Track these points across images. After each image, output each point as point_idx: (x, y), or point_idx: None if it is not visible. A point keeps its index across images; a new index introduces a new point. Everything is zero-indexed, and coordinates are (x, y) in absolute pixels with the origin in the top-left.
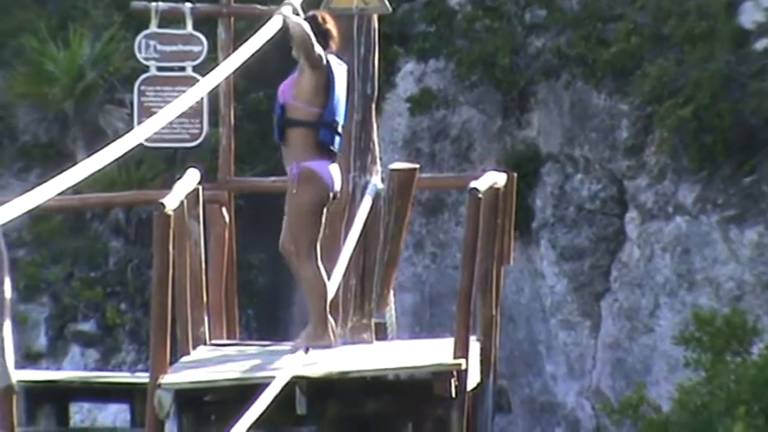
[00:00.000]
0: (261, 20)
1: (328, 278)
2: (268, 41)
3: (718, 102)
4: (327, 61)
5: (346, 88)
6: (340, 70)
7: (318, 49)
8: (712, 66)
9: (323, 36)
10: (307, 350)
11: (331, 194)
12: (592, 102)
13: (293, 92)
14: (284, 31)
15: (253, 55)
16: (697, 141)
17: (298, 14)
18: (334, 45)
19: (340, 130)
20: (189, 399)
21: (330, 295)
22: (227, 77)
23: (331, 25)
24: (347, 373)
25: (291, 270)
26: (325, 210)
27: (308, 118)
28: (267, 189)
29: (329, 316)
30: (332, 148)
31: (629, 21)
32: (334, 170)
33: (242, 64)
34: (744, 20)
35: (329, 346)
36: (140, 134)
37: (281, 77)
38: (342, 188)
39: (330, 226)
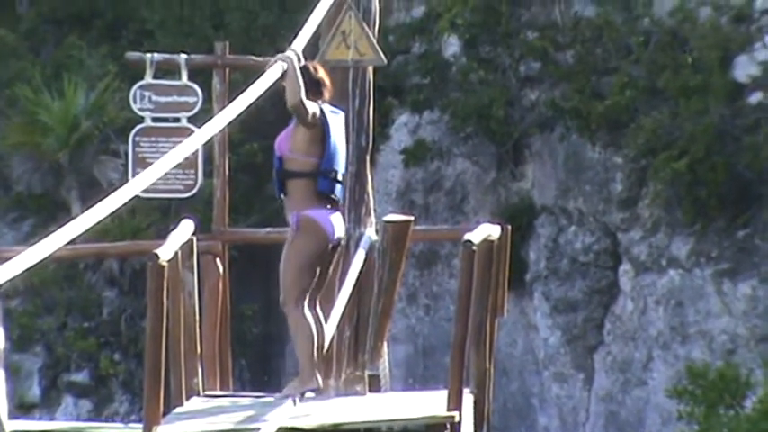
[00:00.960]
0: (256, 71)
1: (322, 327)
2: (267, 90)
3: (712, 155)
4: (322, 111)
5: (345, 135)
6: (335, 119)
7: (310, 107)
8: (706, 119)
9: (316, 85)
10: (295, 399)
11: (330, 244)
12: (586, 154)
13: (289, 144)
14: (281, 80)
15: (253, 103)
16: (691, 194)
17: (300, 60)
18: (327, 94)
19: (340, 178)
20: None
21: (324, 344)
22: (223, 129)
23: (323, 74)
24: (340, 424)
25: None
26: (321, 259)
27: (306, 168)
28: (261, 240)
29: (315, 361)
30: (332, 196)
31: (624, 74)
32: (336, 219)
33: (242, 111)
34: (738, 74)
35: (316, 389)
36: (136, 186)
37: (277, 129)
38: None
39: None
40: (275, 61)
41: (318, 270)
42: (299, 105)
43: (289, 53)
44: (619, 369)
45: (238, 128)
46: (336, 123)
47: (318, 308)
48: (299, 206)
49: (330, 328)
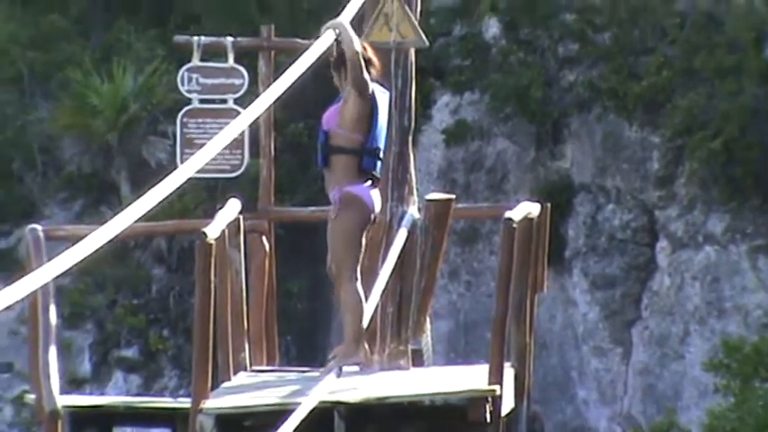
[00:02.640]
0: (301, 53)
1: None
2: (318, 59)
3: (746, 134)
4: (372, 89)
5: (388, 115)
6: (383, 98)
7: (366, 73)
8: (741, 99)
9: (366, 63)
10: (340, 369)
11: (372, 217)
12: (623, 134)
13: (337, 119)
14: (328, 55)
15: (303, 74)
16: (726, 173)
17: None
18: (375, 72)
19: (381, 155)
20: (229, 423)
21: (365, 321)
22: (268, 108)
23: (372, 53)
24: (385, 398)
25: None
26: (365, 233)
27: (352, 145)
28: (306, 219)
29: (363, 337)
30: (374, 173)
31: (660, 54)
32: (375, 195)
33: (294, 82)
34: None
35: (361, 363)
36: (188, 169)
37: (321, 109)
38: (380, 218)
39: (368, 255)
40: (325, 29)
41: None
42: (356, 58)
43: (337, 19)
44: (656, 343)
45: (283, 108)
46: (383, 102)
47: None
48: (341, 182)
49: (371, 305)
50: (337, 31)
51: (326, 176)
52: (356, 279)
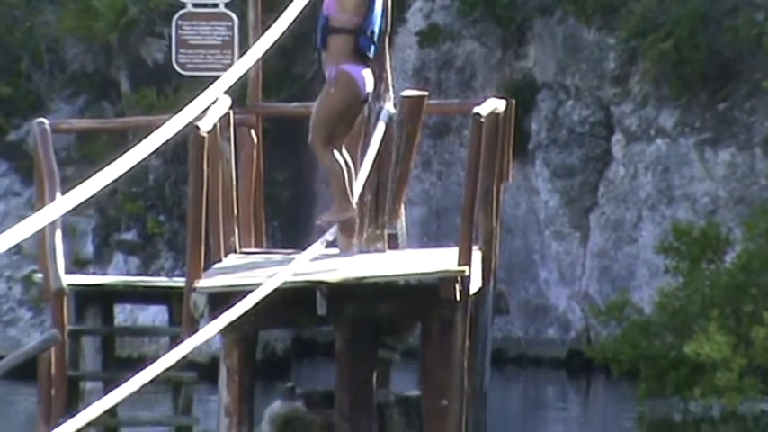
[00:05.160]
0: None
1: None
2: None
3: (695, 36)
4: None
5: (383, 4)
6: None
7: None
8: (691, 4)
9: None
10: (333, 224)
11: (362, 97)
12: (582, 36)
13: (337, 6)
14: None
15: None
16: (677, 72)
17: None
18: None
19: (376, 39)
20: (220, 301)
21: (354, 182)
22: (256, 12)
23: None
24: (363, 278)
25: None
26: (352, 112)
27: (349, 26)
28: (291, 113)
29: (350, 196)
30: (368, 54)
31: None
32: (368, 74)
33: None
34: None
35: (353, 218)
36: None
37: (303, 16)
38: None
39: (348, 146)
40: None
41: (347, 122)
42: None
43: None
44: (611, 228)
45: (270, 13)
46: None
47: (344, 151)
48: (338, 60)
49: (355, 192)
50: None
51: (324, 57)
52: (329, 145)
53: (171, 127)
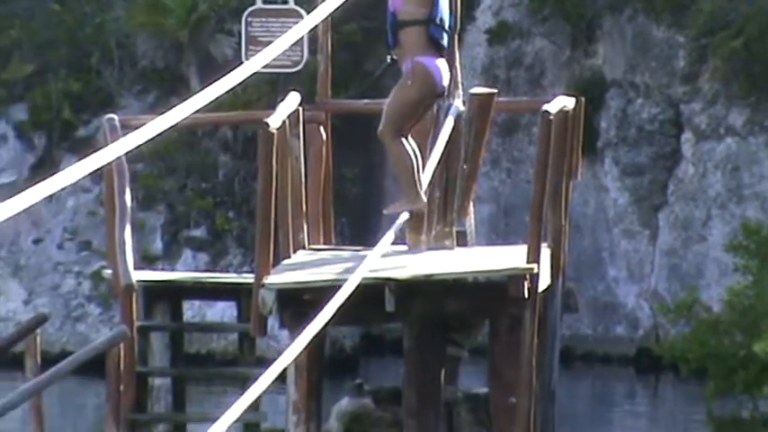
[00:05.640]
0: None
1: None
2: None
3: (766, 34)
4: None
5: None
6: None
7: None
8: (760, 2)
9: None
10: (402, 213)
11: (438, 90)
12: (652, 34)
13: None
14: None
15: None
16: (746, 70)
17: None
18: None
19: (447, 28)
20: (289, 297)
21: (422, 171)
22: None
23: None
24: (431, 275)
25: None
26: (425, 105)
27: (418, 16)
28: (360, 110)
29: (419, 186)
30: (441, 42)
31: None
32: (442, 65)
33: None
34: None
35: (422, 209)
36: (252, 65)
37: (372, 11)
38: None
39: (416, 143)
40: None
41: (420, 114)
42: None
43: None
44: (681, 226)
45: (339, 10)
46: None
47: (413, 142)
48: (412, 52)
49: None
50: None
51: (397, 53)
52: (399, 137)
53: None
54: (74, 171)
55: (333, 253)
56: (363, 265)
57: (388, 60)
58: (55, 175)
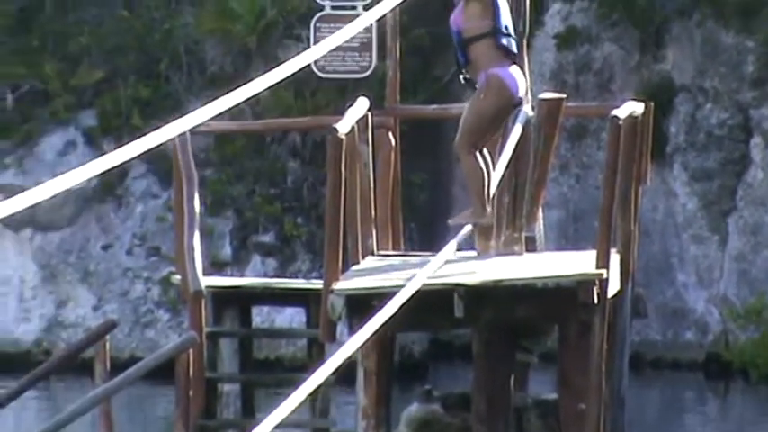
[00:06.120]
0: None
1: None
2: None
3: None
4: None
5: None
6: None
7: None
8: None
9: None
10: (467, 225)
11: (515, 101)
12: (721, 39)
13: (464, 17)
14: None
15: None
16: None
17: None
18: None
19: (514, 34)
20: (358, 303)
21: (492, 185)
22: (394, 13)
23: None
24: (500, 281)
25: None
26: (502, 116)
27: (484, 29)
28: (429, 116)
29: (487, 201)
30: (511, 50)
31: None
32: (517, 73)
33: None
34: None
35: (490, 224)
36: (310, 56)
37: (441, 16)
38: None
39: (487, 149)
40: None
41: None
42: None
43: None
44: (750, 232)
45: (407, 14)
46: None
47: (487, 154)
48: (485, 65)
49: (493, 186)
50: None
51: (470, 70)
52: (474, 151)
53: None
54: (80, 172)
55: (401, 259)
56: (423, 271)
57: (462, 80)
58: (67, 173)
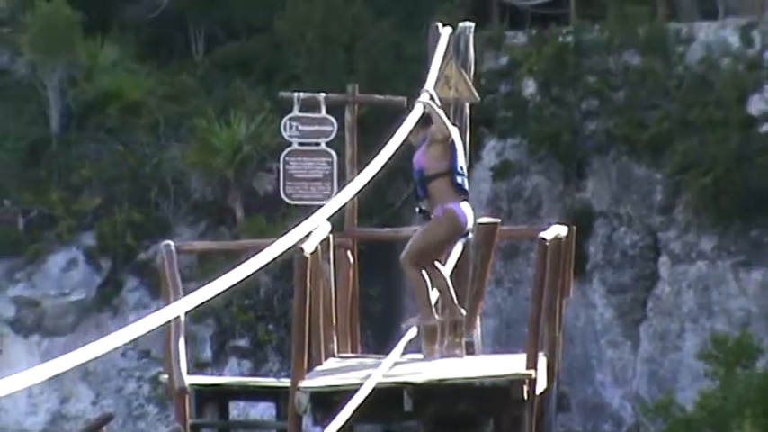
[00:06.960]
0: (379, 106)
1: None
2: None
3: (731, 173)
4: (450, 131)
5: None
6: (454, 129)
7: (448, 123)
8: (727, 145)
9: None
10: (418, 329)
11: (464, 231)
12: (633, 171)
13: (426, 157)
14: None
15: (402, 143)
16: (715, 203)
17: (434, 99)
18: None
19: (465, 173)
20: (321, 398)
21: (450, 288)
22: (352, 148)
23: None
24: (444, 380)
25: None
26: (449, 245)
27: (442, 169)
28: (383, 237)
29: (432, 307)
30: (464, 187)
31: (663, 109)
32: (469, 211)
33: (395, 151)
34: (752, 109)
35: (435, 327)
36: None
37: (399, 155)
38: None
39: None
40: (417, 103)
41: (443, 251)
42: (448, 135)
43: (425, 96)
44: (659, 338)
45: (364, 151)
46: (455, 132)
47: (438, 264)
48: (442, 200)
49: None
50: (426, 107)
51: (427, 204)
52: (418, 266)
53: (279, 247)
54: (119, 336)
55: (359, 360)
56: (377, 371)
57: (417, 211)
58: (100, 340)
